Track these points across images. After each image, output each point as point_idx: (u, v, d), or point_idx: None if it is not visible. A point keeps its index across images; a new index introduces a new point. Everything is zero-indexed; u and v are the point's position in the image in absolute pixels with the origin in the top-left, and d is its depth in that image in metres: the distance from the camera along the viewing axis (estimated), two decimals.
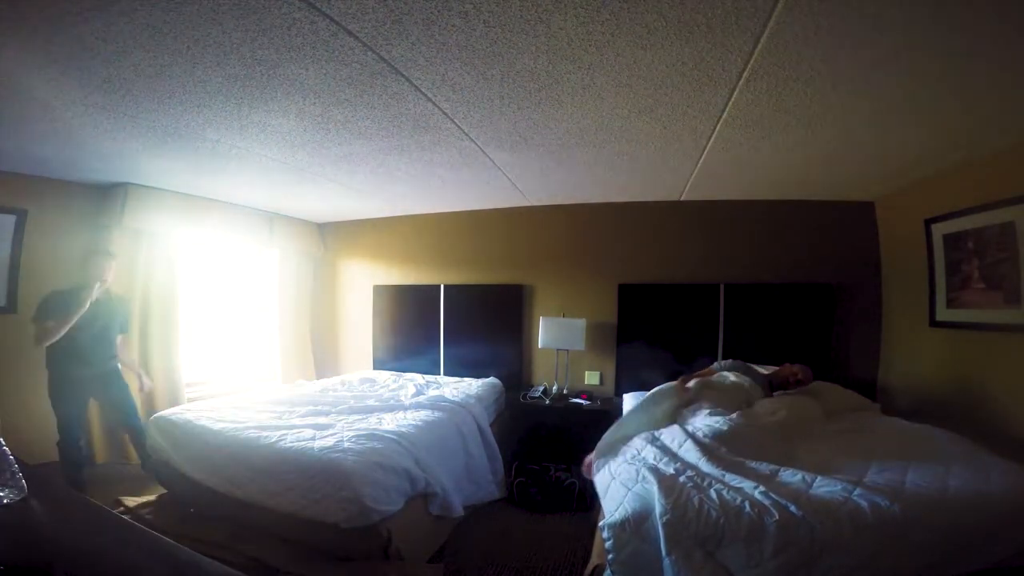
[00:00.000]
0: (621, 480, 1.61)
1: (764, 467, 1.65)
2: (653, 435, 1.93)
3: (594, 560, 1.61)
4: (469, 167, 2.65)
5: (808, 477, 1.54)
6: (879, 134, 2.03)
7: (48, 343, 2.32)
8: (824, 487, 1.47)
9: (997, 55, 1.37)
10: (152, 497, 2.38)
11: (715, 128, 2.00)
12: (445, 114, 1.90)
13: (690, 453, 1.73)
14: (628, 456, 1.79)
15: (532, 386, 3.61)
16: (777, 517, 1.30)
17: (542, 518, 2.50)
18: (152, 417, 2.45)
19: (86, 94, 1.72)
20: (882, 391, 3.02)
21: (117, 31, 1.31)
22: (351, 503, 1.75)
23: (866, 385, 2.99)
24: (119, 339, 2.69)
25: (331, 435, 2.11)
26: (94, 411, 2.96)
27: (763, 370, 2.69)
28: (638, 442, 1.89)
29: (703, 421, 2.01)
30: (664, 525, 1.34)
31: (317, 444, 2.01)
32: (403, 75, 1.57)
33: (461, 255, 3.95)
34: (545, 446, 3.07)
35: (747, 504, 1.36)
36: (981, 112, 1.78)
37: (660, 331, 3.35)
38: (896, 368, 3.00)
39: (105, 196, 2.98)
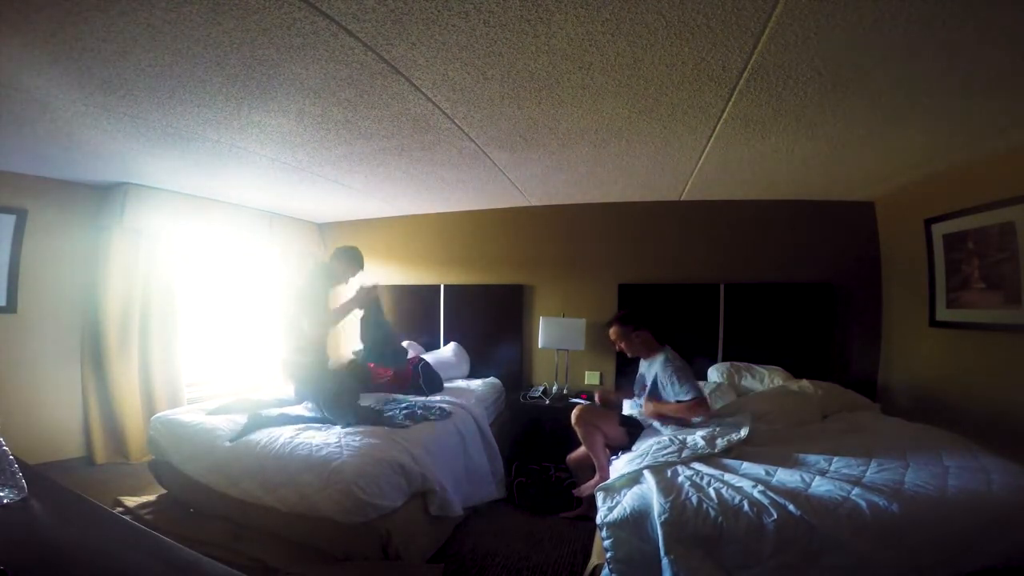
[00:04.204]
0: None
1: (762, 468, 1.65)
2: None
3: (594, 560, 1.62)
4: (469, 167, 2.65)
5: (807, 477, 1.55)
6: (879, 134, 2.03)
7: None
8: (823, 487, 1.47)
9: (997, 55, 1.37)
10: (152, 497, 2.38)
11: (715, 128, 2.00)
12: (445, 114, 1.90)
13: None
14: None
15: (532, 386, 3.61)
16: (776, 516, 1.30)
17: (542, 518, 2.50)
18: (152, 417, 2.46)
19: (86, 94, 1.72)
20: (882, 391, 3.02)
21: (117, 31, 1.31)
22: (344, 495, 1.77)
23: (866, 385, 2.99)
24: None
25: (328, 432, 2.13)
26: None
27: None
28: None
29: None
30: (663, 525, 1.34)
31: (314, 441, 2.03)
32: (403, 75, 1.57)
33: (461, 255, 3.95)
34: (545, 446, 3.07)
35: (746, 503, 1.36)
36: (981, 112, 1.78)
37: (661, 332, 3.34)
38: (896, 368, 3.00)
39: (105, 196, 2.99)
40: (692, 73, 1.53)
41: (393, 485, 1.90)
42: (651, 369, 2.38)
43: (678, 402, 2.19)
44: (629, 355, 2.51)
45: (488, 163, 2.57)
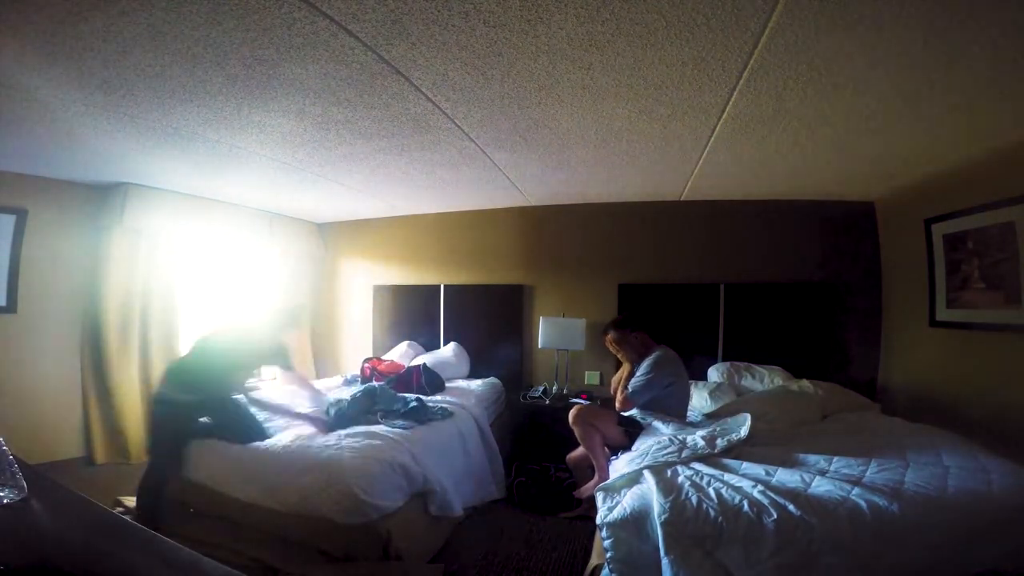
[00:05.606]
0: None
1: (762, 468, 1.65)
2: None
3: (594, 560, 1.62)
4: (469, 167, 2.65)
5: (807, 477, 1.55)
6: (879, 134, 2.03)
7: None
8: (823, 487, 1.47)
9: (997, 55, 1.37)
10: None
11: (715, 128, 2.00)
12: (445, 114, 1.90)
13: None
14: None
15: (532, 386, 3.60)
16: (776, 516, 1.30)
17: (542, 518, 2.49)
18: None
19: (86, 94, 1.72)
20: (882, 391, 3.02)
21: (117, 31, 1.31)
22: (345, 496, 1.77)
23: (866, 385, 2.99)
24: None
25: (328, 433, 2.12)
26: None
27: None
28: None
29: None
30: (663, 525, 1.34)
31: (315, 441, 2.02)
32: (403, 75, 1.57)
33: (461, 255, 3.95)
34: (545, 446, 3.06)
35: (746, 503, 1.36)
36: (981, 112, 1.78)
37: (660, 331, 3.34)
38: (896, 368, 2.99)
39: (105, 196, 2.98)
40: (692, 73, 1.53)
41: (394, 485, 1.90)
42: (641, 364, 2.43)
43: (624, 389, 2.38)
44: (626, 361, 2.52)
45: (488, 163, 2.57)
